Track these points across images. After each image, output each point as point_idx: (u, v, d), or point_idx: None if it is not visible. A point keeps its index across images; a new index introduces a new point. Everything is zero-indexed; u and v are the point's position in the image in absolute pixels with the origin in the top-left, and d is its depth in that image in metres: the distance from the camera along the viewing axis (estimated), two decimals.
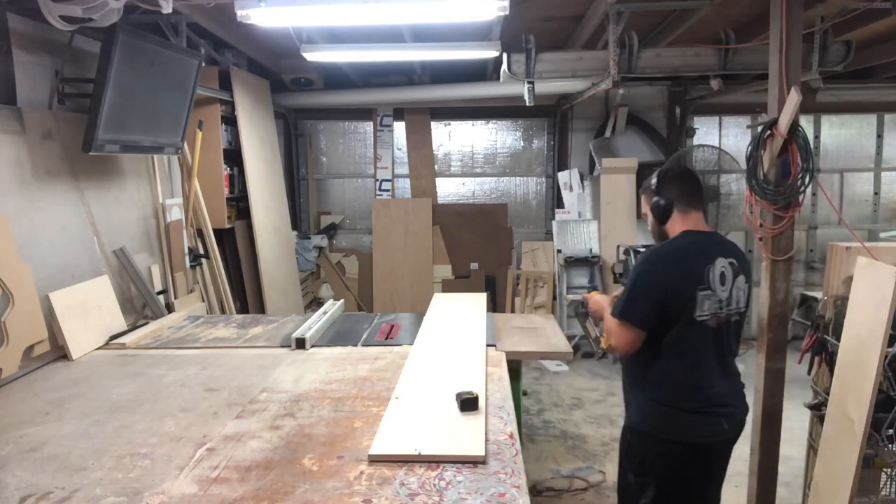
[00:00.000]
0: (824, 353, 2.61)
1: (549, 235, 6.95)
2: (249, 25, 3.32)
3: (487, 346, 2.95)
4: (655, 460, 2.18)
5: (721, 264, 2.13)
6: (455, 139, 7.11)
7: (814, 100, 5.35)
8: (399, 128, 7.05)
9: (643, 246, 5.61)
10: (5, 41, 3.00)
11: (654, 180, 2.30)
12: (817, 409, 2.60)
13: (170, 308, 4.04)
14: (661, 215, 2.26)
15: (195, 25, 4.03)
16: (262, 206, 5.38)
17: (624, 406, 2.35)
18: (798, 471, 3.20)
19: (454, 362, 2.67)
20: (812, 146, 3.54)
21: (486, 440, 1.93)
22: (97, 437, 2.08)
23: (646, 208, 2.35)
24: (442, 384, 2.41)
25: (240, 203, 5.46)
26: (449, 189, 7.17)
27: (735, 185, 5.46)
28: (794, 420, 3.21)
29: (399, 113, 6.98)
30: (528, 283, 6.38)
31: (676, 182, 2.25)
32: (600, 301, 2.44)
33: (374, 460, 1.84)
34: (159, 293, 3.94)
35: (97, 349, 3.09)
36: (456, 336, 3.09)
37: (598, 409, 4.75)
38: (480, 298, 3.88)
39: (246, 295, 5.35)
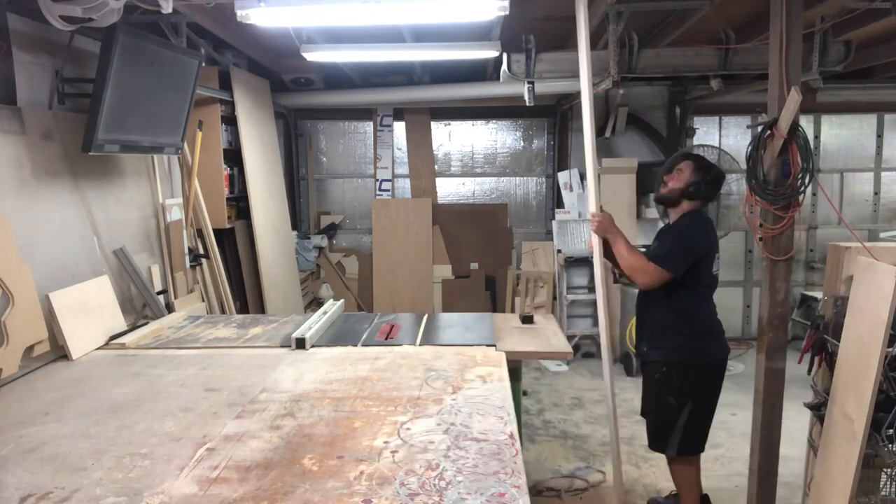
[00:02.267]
0: (824, 353, 2.61)
1: (549, 235, 6.95)
2: (249, 25, 3.32)
3: (487, 346, 2.95)
4: (694, 381, 2.85)
5: None
6: (455, 139, 7.11)
7: (814, 100, 5.34)
8: (399, 128, 7.04)
9: (643, 246, 5.60)
10: (5, 41, 3.00)
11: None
12: (817, 409, 2.60)
13: (170, 308, 4.04)
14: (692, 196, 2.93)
15: (195, 25, 4.03)
16: (262, 206, 5.38)
17: (646, 346, 3.03)
18: (798, 471, 3.20)
19: None
20: (812, 146, 3.55)
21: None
22: (97, 437, 2.08)
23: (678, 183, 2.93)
24: None
25: (240, 203, 5.46)
26: (449, 189, 7.17)
27: (735, 185, 5.45)
28: (794, 420, 3.21)
29: (399, 113, 6.98)
30: (528, 283, 6.38)
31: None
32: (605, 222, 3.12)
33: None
34: (159, 293, 3.94)
35: (97, 349, 3.09)
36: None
37: (598, 409, 4.75)
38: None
39: (246, 295, 5.35)
